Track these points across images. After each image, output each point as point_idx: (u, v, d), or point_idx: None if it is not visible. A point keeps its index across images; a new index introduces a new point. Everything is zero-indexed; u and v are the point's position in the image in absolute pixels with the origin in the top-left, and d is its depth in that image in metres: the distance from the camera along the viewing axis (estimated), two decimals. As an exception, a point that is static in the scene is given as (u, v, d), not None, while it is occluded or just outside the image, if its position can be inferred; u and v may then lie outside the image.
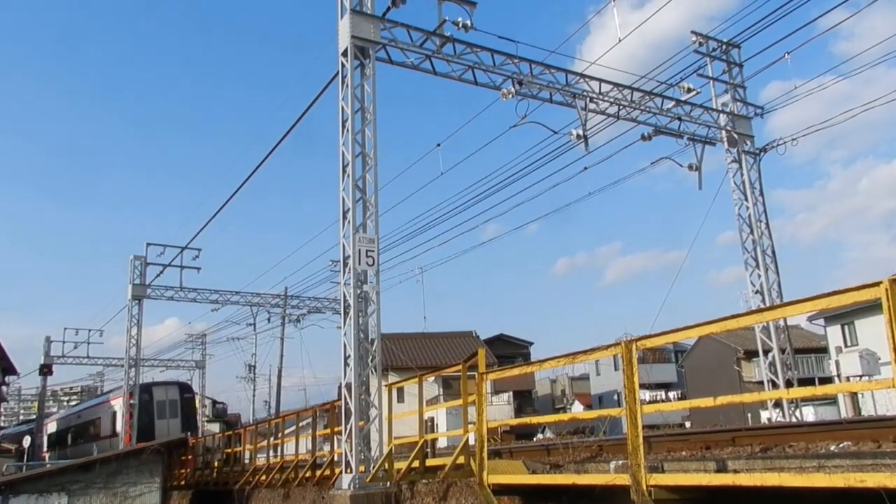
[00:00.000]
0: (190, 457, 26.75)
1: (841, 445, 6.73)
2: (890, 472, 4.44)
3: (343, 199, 13.28)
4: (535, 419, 14.29)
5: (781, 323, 19.04)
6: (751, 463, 6.42)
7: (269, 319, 41.37)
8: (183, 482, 26.93)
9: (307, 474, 16.12)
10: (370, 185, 13.41)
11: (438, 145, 19.42)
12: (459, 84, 15.69)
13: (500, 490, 8.49)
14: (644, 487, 6.00)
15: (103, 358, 48.96)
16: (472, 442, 9.56)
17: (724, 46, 19.87)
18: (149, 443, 23.00)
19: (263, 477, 18.79)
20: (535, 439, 15.36)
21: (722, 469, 6.42)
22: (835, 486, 4.65)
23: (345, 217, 13.22)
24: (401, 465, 11.51)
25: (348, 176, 13.26)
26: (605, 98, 17.45)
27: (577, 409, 52.74)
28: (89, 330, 44.11)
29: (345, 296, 13.04)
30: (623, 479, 6.35)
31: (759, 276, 18.98)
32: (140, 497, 19.75)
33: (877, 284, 4.58)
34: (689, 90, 18.78)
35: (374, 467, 11.83)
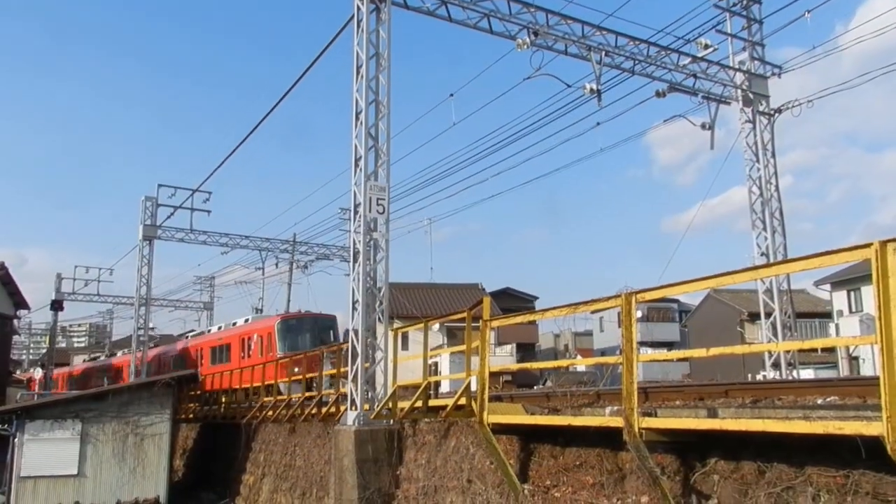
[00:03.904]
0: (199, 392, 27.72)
1: (828, 399, 7.01)
2: (867, 421, 4.69)
3: (355, 147, 13.41)
4: (535, 365, 14.65)
5: (785, 286, 19.25)
6: (740, 412, 6.71)
7: (276, 265, 41.79)
8: (192, 416, 27.78)
9: (313, 411, 16.65)
10: (382, 133, 13.52)
11: (451, 95, 19.41)
12: (474, 33, 15.63)
13: (500, 430, 8.84)
14: (636, 429, 6.29)
15: (113, 296, 49.78)
16: (473, 387, 9.90)
17: (745, 1, 19.60)
18: (160, 376, 23.70)
19: (270, 412, 19.40)
20: (534, 388, 15.76)
21: (712, 415, 6.71)
22: (815, 432, 4.91)
23: (357, 164, 13.38)
24: (404, 404, 11.92)
25: (361, 123, 13.36)
26: (621, 52, 17.33)
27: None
28: (99, 268, 44.80)
29: (354, 242, 13.30)
30: (616, 422, 6.65)
31: (766, 238, 19.10)
32: (151, 426, 20.46)
33: (868, 246, 4.75)
34: (706, 46, 18.57)
35: (378, 406, 12.25)
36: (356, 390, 12.53)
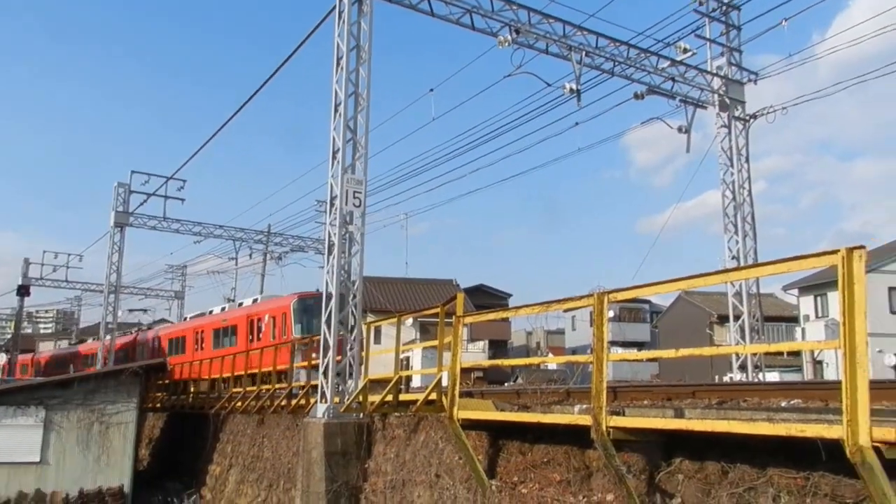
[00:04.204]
0: (168, 381, 27.27)
1: (791, 402, 7.12)
2: (829, 424, 4.78)
3: (333, 139, 13.34)
4: (507, 362, 14.74)
5: (754, 289, 19.55)
6: (706, 413, 6.80)
7: (250, 255, 41.50)
8: (159, 405, 27.49)
9: (282, 402, 16.57)
10: (361, 127, 13.46)
11: (431, 90, 19.40)
12: (456, 29, 15.62)
13: (469, 425, 8.87)
14: (604, 428, 6.35)
15: (82, 283, 49.03)
16: (445, 383, 9.92)
17: (724, 7, 19.83)
18: (127, 364, 23.41)
19: (239, 403, 19.27)
20: (505, 385, 15.85)
21: (679, 416, 6.79)
22: (777, 434, 4.99)
23: (334, 157, 13.31)
24: (375, 398, 11.91)
25: (340, 115, 13.30)
26: (601, 53, 17.44)
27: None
28: (69, 254, 44.12)
29: (329, 235, 13.25)
30: (585, 420, 6.71)
31: (738, 241, 19.37)
32: (117, 415, 20.23)
33: (834, 252, 4.83)
34: (685, 50, 18.77)
35: (348, 399, 12.23)
36: (327, 383, 12.49)
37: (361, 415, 12.18)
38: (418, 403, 10.67)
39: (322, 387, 12.59)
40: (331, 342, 12.69)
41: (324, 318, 13.11)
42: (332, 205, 13.31)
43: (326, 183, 13.45)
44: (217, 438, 20.89)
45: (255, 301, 29.44)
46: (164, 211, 32.39)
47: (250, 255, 41.43)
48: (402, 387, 12.22)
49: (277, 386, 17.79)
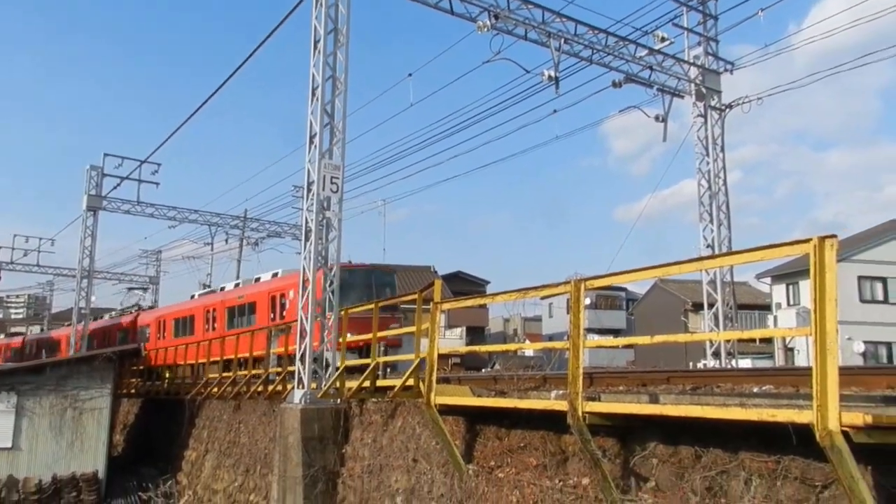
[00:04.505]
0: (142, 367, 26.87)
1: (763, 388, 7.25)
2: (799, 409, 4.87)
3: (311, 123, 13.23)
4: (484, 348, 14.80)
5: (728, 277, 19.79)
6: (680, 398, 6.89)
7: (226, 240, 41.13)
8: (133, 390, 27.26)
9: (259, 388, 16.52)
10: (339, 111, 13.36)
11: (410, 75, 19.30)
12: (434, 14, 15.53)
13: (446, 411, 8.92)
14: (580, 413, 6.41)
15: (54, 267, 48.30)
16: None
17: (702, -4, 19.92)
18: (101, 350, 23.16)
19: (215, 389, 19.18)
20: (482, 371, 15.93)
21: (653, 401, 6.87)
22: (749, 419, 5.07)
23: (311, 142, 13.21)
24: (352, 384, 11.92)
25: (317, 100, 13.18)
26: (580, 40, 17.44)
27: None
28: (40, 238, 43.42)
29: (306, 221, 13.18)
30: (561, 405, 6.77)
31: (713, 230, 19.57)
32: (90, 401, 20.03)
33: (807, 241, 4.89)
34: (662, 39, 18.81)
35: (326, 385, 12.23)
36: (304, 369, 12.47)
37: (339, 400, 12.18)
38: (395, 389, 10.70)
39: (299, 373, 12.57)
40: (307, 328, 12.66)
41: (300, 305, 13.06)
42: (309, 190, 13.23)
43: (304, 168, 13.36)
44: (193, 424, 20.79)
45: (275, 275, 26.55)
46: (137, 195, 31.97)
47: (226, 241, 41.10)
48: (380, 373, 12.21)
49: (254, 372, 17.72)
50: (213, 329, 26.95)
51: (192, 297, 32.81)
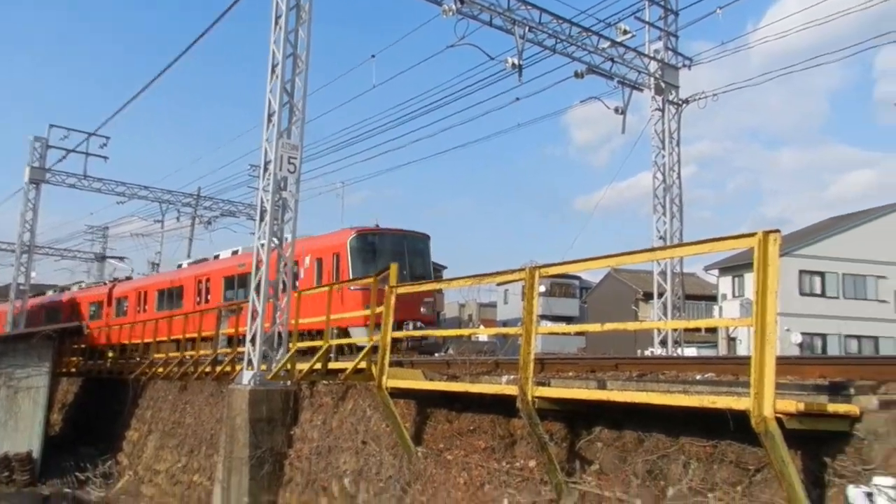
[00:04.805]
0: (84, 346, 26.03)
1: (706, 375, 7.47)
2: (738, 396, 5.06)
3: (269, 101, 13.05)
4: (437, 332, 14.89)
5: (678, 269, 20.25)
6: (626, 385, 7.07)
7: (178, 218, 40.26)
8: (74, 369, 26.60)
9: (206, 369, 16.33)
10: (299, 90, 13.21)
11: (373, 56, 19.20)
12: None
13: (398, 394, 8.97)
14: (529, 398, 6.53)
15: (-10, 240, 46.53)
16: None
17: (664, -9, 20.19)
18: (39, 328, 22.49)
19: (161, 369, 18.88)
20: (436, 355, 16.01)
21: (601, 387, 7.04)
22: (691, 405, 5.25)
23: (269, 120, 13.03)
24: (303, 366, 11.87)
25: (277, 77, 12.99)
26: (544, 29, 17.52)
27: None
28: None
29: (262, 201, 13.03)
30: (511, 390, 6.89)
31: (665, 222, 19.96)
32: (27, 379, 19.48)
33: (752, 235, 5.06)
34: (625, 32, 19.04)
35: (276, 366, 12.16)
36: (254, 350, 12.36)
37: (289, 382, 12.13)
38: (347, 372, 10.70)
39: (249, 354, 12.46)
40: (259, 309, 12.55)
41: (253, 285, 12.93)
42: (265, 170, 13.06)
43: (260, 147, 13.19)
44: (136, 404, 20.41)
45: None
46: (84, 168, 30.98)
47: (178, 219, 40.24)
48: (332, 355, 12.19)
49: (202, 352, 17.48)
50: (206, 301, 24.47)
51: (180, 266, 30.16)
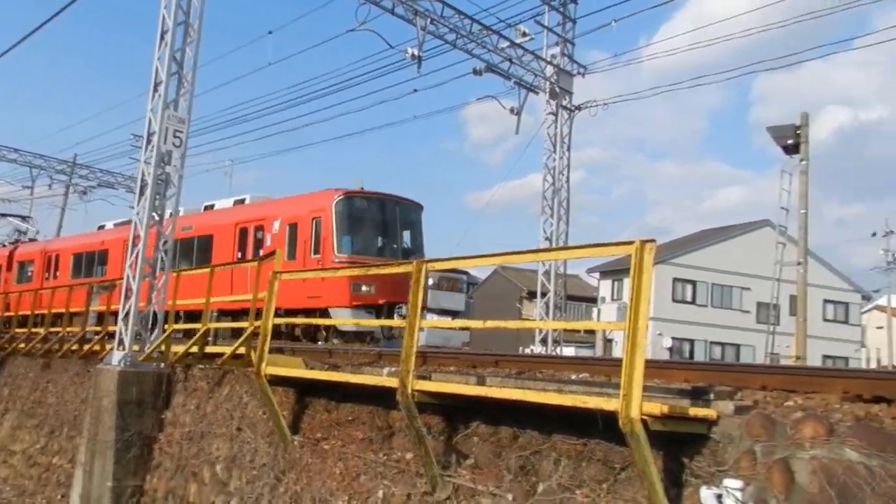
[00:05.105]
0: None
1: (581, 376, 7.75)
2: (608, 397, 5.27)
3: (157, 70, 12.38)
4: (321, 321, 14.62)
5: (562, 270, 20.95)
6: (505, 381, 7.22)
7: (50, 185, 37.68)
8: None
9: (73, 347, 15.41)
10: (189, 60, 12.61)
11: (270, 33, 18.70)
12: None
13: (277, 381, 8.78)
14: (409, 391, 6.55)
15: None
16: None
17: (564, -2, 20.77)
18: None
19: (22, 345, 17.63)
20: (319, 344, 15.78)
21: (481, 383, 7.16)
22: (564, 404, 5.42)
23: (156, 90, 12.38)
24: (179, 348, 11.42)
25: (166, 45, 12.34)
26: (446, 23, 17.62)
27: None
28: None
29: (143, 174, 12.38)
30: (392, 382, 6.88)
31: (552, 224, 20.59)
32: None
33: (630, 243, 5.27)
34: (524, 34, 19.47)
35: (149, 348, 11.62)
36: (126, 330, 11.75)
37: (162, 365, 11.63)
38: (225, 357, 10.37)
39: (120, 333, 11.83)
40: (134, 287, 11.94)
41: (128, 262, 12.27)
42: (149, 142, 12.40)
43: (145, 117, 12.51)
44: (-8, 381, 18.96)
45: (240, 202, 19.99)
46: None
47: (50, 186, 37.65)
48: (210, 338, 11.77)
49: (69, 329, 16.43)
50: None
51: (102, 227, 26.10)
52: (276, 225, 17.72)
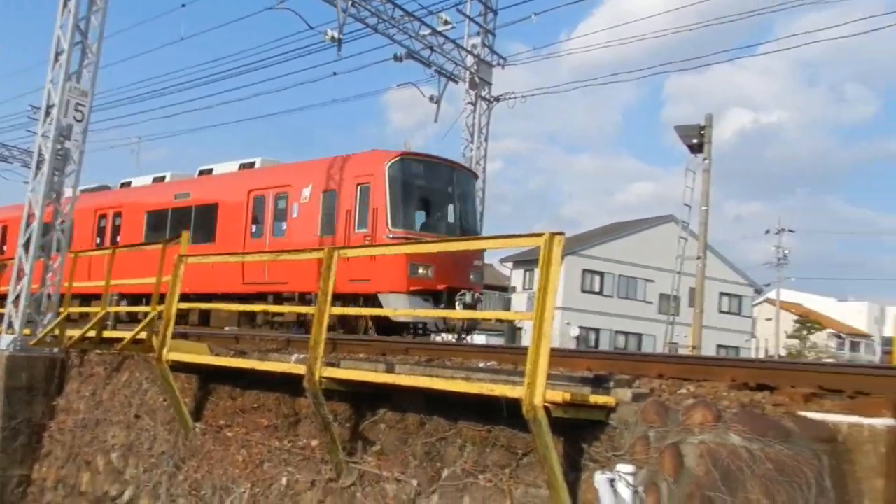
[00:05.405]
0: None
1: (489, 364, 7.88)
2: (513, 385, 5.38)
3: (58, 38, 11.71)
4: (226, 306, 14.17)
5: (475, 258, 21.17)
6: (413, 369, 7.25)
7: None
8: None
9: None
10: (94, 30, 11.98)
11: (183, 6, 17.95)
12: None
13: (180, 368, 8.52)
14: (317, 378, 6.49)
15: None
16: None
17: (485, -11, 20.89)
18: None
19: None
20: (226, 329, 15.38)
21: (390, 370, 7.16)
22: (471, 392, 5.50)
23: (57, 59, 11.71)
24: (74, 333, 10.89)
25: (70, 12, 11.68)
26: (367, 6, 17.42)
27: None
28: None
29: (41, 148, 11.70)
30: (299, 369, 6.80)
31: (467, 213, 20.75)
32: None
33: (540, 235, 5.39)
34: (446, 22, 19.48)
35: (42, 332, 11.05)
36: (16, 313, 11.11)
37: (56, 349, 11.07)
38: (124, 342, 9.96)
39: (10, 316, 11.18)
40: (26, 269, 11.30)
41: (21, 241, 11.58)
42: (47, 114, 11.72)
43: (44, 88, 11.80)
44: None
45: (247, 165, 17.65)
46: None
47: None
48: (109, 323, 11.27)
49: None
50: (116, 242, 18.79)
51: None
52: (307, 192, 15.36)
